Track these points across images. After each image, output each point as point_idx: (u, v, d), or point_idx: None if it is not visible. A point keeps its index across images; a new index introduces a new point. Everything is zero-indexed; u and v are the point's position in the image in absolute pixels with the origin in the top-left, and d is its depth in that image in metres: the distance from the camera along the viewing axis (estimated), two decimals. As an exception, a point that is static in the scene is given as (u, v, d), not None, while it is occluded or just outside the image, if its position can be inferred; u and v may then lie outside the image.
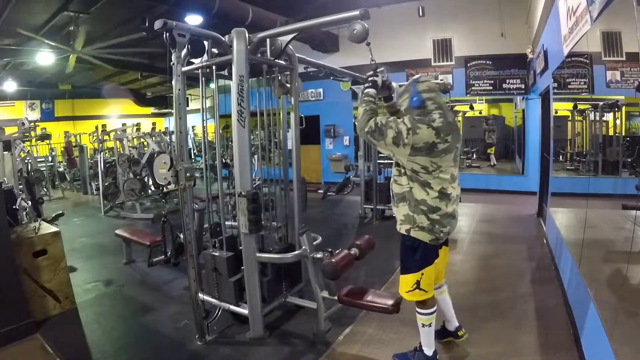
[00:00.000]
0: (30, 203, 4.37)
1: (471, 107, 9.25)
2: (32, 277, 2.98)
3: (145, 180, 7.20)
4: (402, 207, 2.09)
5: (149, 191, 7.40)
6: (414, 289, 2.12)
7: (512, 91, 7.80)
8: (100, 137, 8.22)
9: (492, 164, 9.87)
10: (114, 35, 7.36)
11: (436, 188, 1.99)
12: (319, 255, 2.66)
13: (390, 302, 2.41)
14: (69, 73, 9.09)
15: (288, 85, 3.05)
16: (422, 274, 2.11)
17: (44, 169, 9.68)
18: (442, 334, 2.54)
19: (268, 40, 2.63)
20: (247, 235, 2.54)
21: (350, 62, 7.49)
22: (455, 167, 2.07)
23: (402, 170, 2.05)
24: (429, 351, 2.26)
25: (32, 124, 5.78)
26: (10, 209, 3.31)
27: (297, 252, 2.77)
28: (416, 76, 2.19)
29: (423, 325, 2.22)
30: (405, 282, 2.16)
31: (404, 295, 2.20)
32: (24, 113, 13.36)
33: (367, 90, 2.22)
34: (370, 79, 2.26)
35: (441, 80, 7.65)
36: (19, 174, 5.81)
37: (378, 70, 2.32)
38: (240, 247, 2.69)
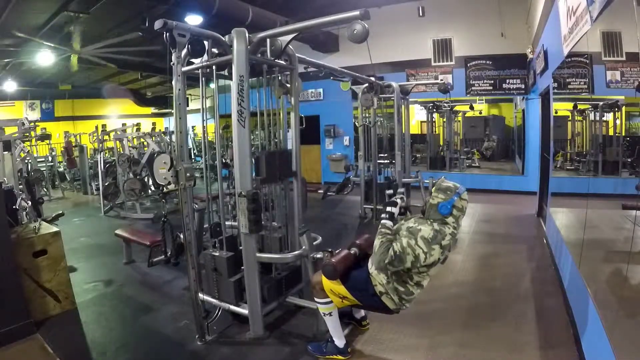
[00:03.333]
0: (30, 203, 4.37)
1: (471, 107, 9.25)
2: (32, 277, 2.98)
3: (145, 180, 7.19)
4: (382, 276, 2.19)
5: (149, 191, 7.39)
6: (339, 298, 2.32)
7: (512, 91, 7.80)
8: (100, 137, 8.22)
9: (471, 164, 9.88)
10: (114, 35, 7.35)
11: (415, 280, 2.16)
12: (318, 255, 2.66)
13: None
14: (70, 73, 9.10)
15: (288, 85, 3.05)
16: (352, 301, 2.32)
17: (44, 169, 9.65)
18: (349, 317, 2.78)
19: (268, 40, 2.63)
20: (247, 235, 2.54)
21: (350, 62, 7.50)
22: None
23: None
24: (339, 342, 2.43)
25: (32, 124, 5.78)
26: (10, 209, 3.30)
27: (297, 252, 2.77)
28: (461, 187, 2.07)
29: (324, 315, 2.40)
30: (343, 292, 2.30)
31: (328, 293, 2.33)
32: (24, 113, 13.35)
33: (384, 221, 2.21)
34: (388, 209, 2.24)
35: (441, 80, 7.66)
36: (19, 174, 5.82)
37: (398, 197, 2.34)
38: (240, 247, 2.69)
